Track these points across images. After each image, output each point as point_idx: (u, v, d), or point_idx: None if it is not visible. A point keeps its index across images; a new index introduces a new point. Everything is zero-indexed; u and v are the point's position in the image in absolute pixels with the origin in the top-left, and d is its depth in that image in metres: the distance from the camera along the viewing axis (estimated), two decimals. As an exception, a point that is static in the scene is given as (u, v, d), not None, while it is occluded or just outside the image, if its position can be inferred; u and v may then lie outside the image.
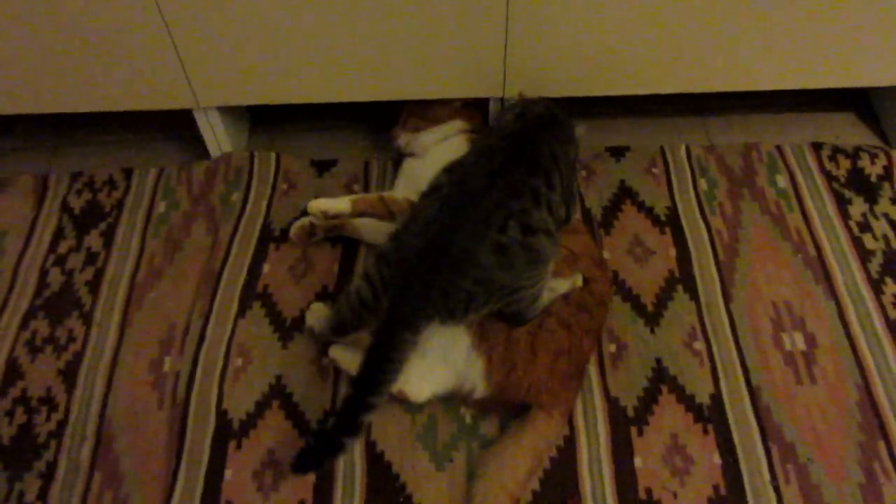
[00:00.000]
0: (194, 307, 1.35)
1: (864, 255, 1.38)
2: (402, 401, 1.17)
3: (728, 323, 1.30)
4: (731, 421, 1.20)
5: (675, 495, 1.13)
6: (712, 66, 1.42)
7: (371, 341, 1.05)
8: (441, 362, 1.14)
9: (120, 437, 1.22)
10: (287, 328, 1.32)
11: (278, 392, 1.25)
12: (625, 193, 1.49)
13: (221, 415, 1.22)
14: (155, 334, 1.33)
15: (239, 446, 1.20)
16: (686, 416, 1.20)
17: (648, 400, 1.22)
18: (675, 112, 1.67)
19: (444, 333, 1.13)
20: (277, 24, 1.33)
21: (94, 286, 1.41)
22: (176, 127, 1.68)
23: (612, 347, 1.28)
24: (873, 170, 1.51)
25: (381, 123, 1.66)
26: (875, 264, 1.37)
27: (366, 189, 1.54)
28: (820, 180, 1.50)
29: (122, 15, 1.31)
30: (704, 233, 1.42)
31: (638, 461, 1.16)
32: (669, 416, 1.20)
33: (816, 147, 1.56)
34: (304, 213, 1.38)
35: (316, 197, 1.49)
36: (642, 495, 1.13)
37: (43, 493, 1.17)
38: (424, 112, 1.48)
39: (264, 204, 1.50)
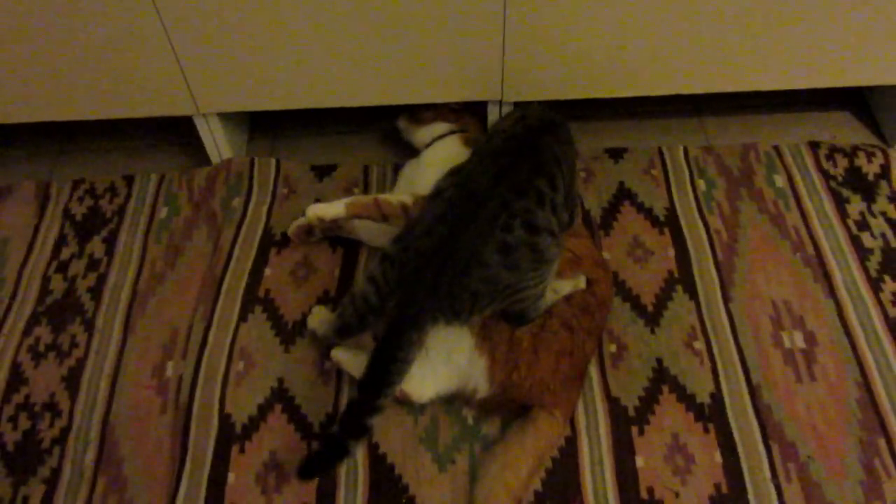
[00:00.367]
0: (196, 312, 1.36)
1: (863, 254, 1.39)
2: (405, 402, 1.18)
3: (728, 322, 1.31)
4: (731, 420, 1.20)
5: (676, 494, 1.14)
6: (709, 68, 1.43)
7: (377, 343, 1.06)
8: (444, 363, 1.15)
9: (123, 441, 1.23)
10: (289, 332, 1.33)
11: (280, 395, 1.25)
12: (624, 194, 1.50)
13: (224, 418, 1.23)
14: (157, 339, 1.34)
15: (242, 450, 1.20)
16: (687, 416, 1.21)
17: (649, 399, 1.23)
18: (673, 113, 1.68)
19: (447, 334, 1.14)
20: (276, 30, 1.34)
21: (96, 292, 1.41)
22: (176, 133, 1.69)
23: (613, 347, 1.29)
24: (870, 168, 1.52)
25: (380, 128, 1.68)
26: (874, 262, 1.38)
27: (365, 193, 1.54)
28: (818, 179, 1.51)
29: (123, 23, 1.32)
30: (703, 233, 1.43)
31: (639, 461, 1.17)
32: (670, 416, 1.21)
33: (814, 146, 1.57)
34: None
35: (316, 201, 1.50)
36: (644, 495, 1.14)
37: (47, 499, 1.18)
38: (424, 111, 1.51)
39: (265, 209, 1.51)
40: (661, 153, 1.57)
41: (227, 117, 1.57)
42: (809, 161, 1.54)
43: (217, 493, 1.16)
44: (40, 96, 1.45)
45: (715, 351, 1.28)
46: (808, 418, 1.20)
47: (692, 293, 1.35)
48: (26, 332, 1.37)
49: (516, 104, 1.50)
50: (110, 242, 1.49)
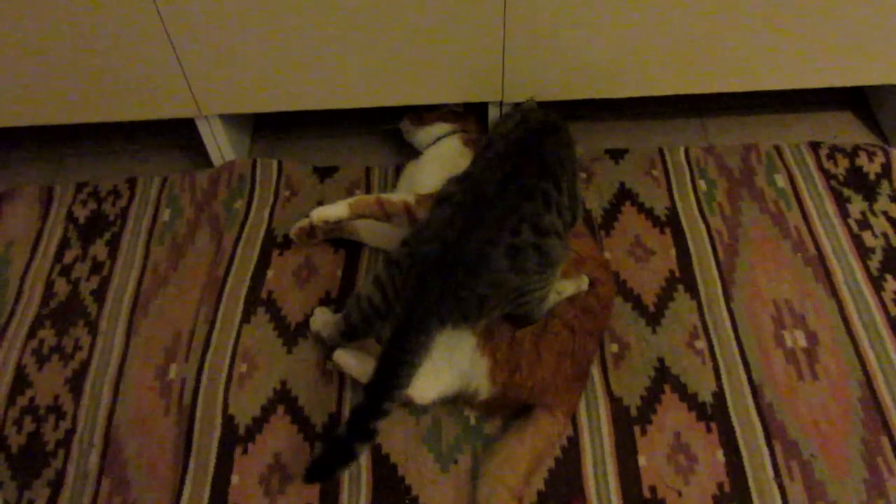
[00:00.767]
0: (199, 314, 1.37)
1: (864, 253, 1.39)
2: (408, 403, 1.18)
3: (729, 321, 1.31)
4: (733, 419, 1.20)
5: (679, 493, 1.14)
6: (710, 68, 1.43)
7: (384, 346, 1.06)
8: (446, 363, 1.15)
9: (127, 444, 1.23)
10: (291, 333, 1.33)
11: (283, 397, 1.26)
12: (625, 195, 1.50)
13: (227, 420, 1.23)
14: (160, 341, 1.34)
15: (245, 451, 1.21)
16: (689, 415, 1.21)
17: (651, 399, 1.23)
18: (674, 114, 1.69)
19: (450, 335, 1.14)
20: (278, 32, 1.34)
21: (99, 295, 1.42)
22: (179, 136, 1.70)
23: (615, 347, 1.29)
24: (871, 168, 1.52)
25: (381, 130, 1.69)
26: (875, 261, 1.38)
27: (367, 194, 1.55)
28: (819, 179, 1.51)
29: (125, 26, 1.32)
30: (704, 233, 1.43)
31: (642, 460, 1.17)
32: (672, 415, 1.21)
33: (815, 146, 1.57)
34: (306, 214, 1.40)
35: (318, 203, 1.51)
36: (647, 494, 1.14)
37: (52, 501, 1.18)
38: (425, 113, 1.52)
39: (267, 211, 1.51)
40: (661, 153, 1.58)
41: (230, 119, 1.58)
42: (810, 161, 1.54)
43: (220, 495, 1.16)
44: (43, 100, 1.45)
45: (717, 350, 1.28)
46: (811, 417, 1.20)
47: (693, 293, 1.35)
48: (30, 334, 1.37)
49: (516, 105, 1.50)
50: (113, 245, 1.49)
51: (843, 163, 1.54)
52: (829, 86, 1.47)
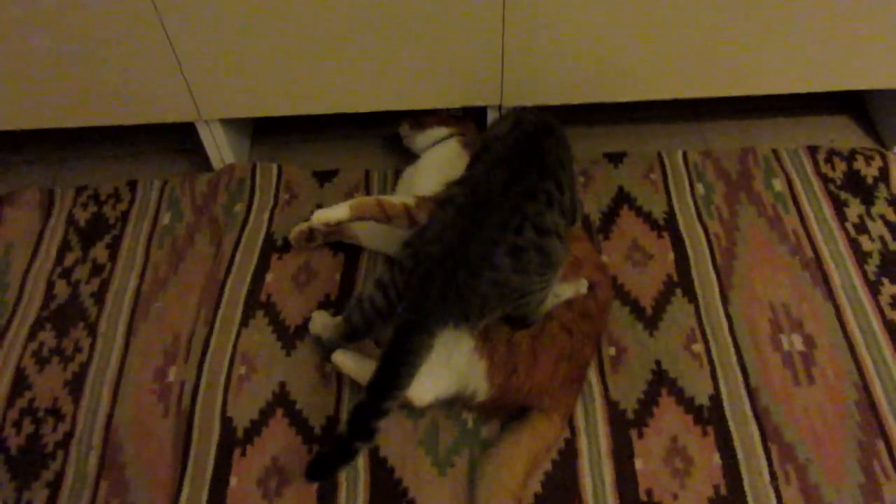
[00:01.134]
0: (198, 317, 1.37)
1: (861, 257, 1.39)
2: (405, 405, 1.18)
3: (726, 325, 1.31)
4: (730, 422, 1.21)
5: (675, 496, 1.14)
6: (707, 72, 1.44)
7: (386, 347, 1.06)
8: (444, 365, 1.15)
9: (126, 446, 1.24)
10: (290, 336, 1.34)
11: (282, 399, 1.26)
12: (623, 199, 1.51)
13: (226, 423, 1.24)
14: (160, 344, 1.35)
15: (243, 454, 1.21)
16: (686, 418, 1.21)
17: (648, 402, 1.23)
18: (672, 118, 1.69)
19: (448, 337, 1.14)
20: (278, 38, 1.35)
21: (99, 297, 1.42)
22: (179, 139, 1.70)
23: (612, 351, 1.29)
24: (869, 172, 1.53)
25: (381, 134, 1.69)
26: (872, 265, 1.38)
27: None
28: (816, 183, 1.52)
29: (125, 30, 1.33)
30: (702, 236, 1.44)
31: (638, 463, 1.17)
32: (669, 418, 1.21)
33: (812, 150, 1.57)
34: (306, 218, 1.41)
35: (318, 206, 1.52)
36: (643, 497, 1.14)
37: (50, 503, 1.19)
38: (425, 116, 1.52)
39: (266, 214, 1.52)
40: (659, 157, 1.58)
41: (230, 123, 1.58)
42: (808, 165, 1.55)
43: (219, 497, 1.17)
44: (44, 103, 1.46)
45: (714, 354, 1.28)
46: (807, 421, 1.20)
47: (691, 296, 1.35)
48: (30, 336, 1.38)
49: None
50: (113, 248, 1.50)
51: (841, 167, 1.54)
52: (826, 90, 1.48)
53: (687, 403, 1.23)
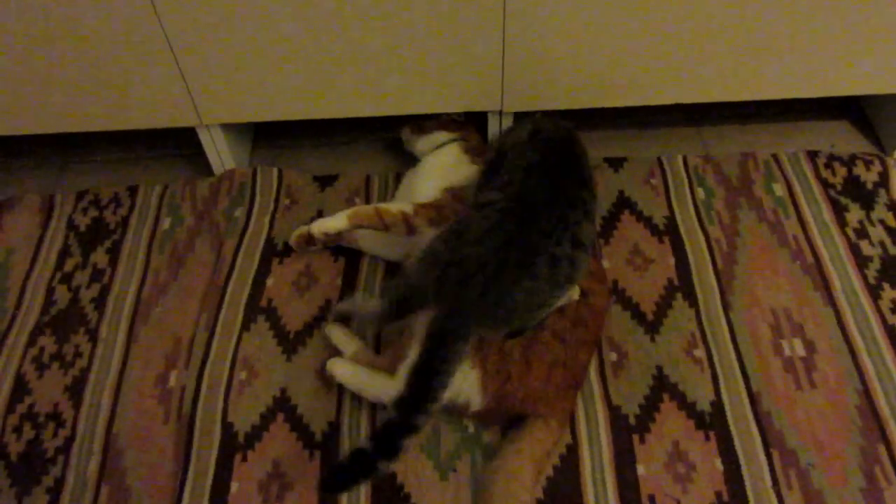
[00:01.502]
0: (199, 322, 1.37)
1: (862, 262, 1.40)
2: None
3: (728, 330, 1.31)
4: (732, 427, 1.20)
5: (678, 502, 1.14)
6: (708, 77, 1.44)
7: (419, 357, 1.03)
8: None
9: (126, 451, 1.23)
10: (291, 341, 1.34)
11: (283, 404, 1.26)
12: (623, 203, 1.51)
13: (227, 428, 1.24)
14: (160, 349, 1.35)
15: (244, 459, 1.21)
16: (687, 423, 1.21)
17: (650, 408, 1.23)
18: (672, 123, 1.69)
19: None
20: (279, 42, 1.35)
21: (99, 303, 1.42)
22: (179, 144, 1.70)
23: (613, 356, 1.29)
24: (869, 177, 1.53)
25: (381, 138, 1.69)
26: (872, 270, 1.38)
27: (367, 203, 1.56)
28: (816, 188, 1.52)
29: (126, 35, 1.33)
30: (703, 241, 1.44)
31: (640, 469, 1.17)
32: (671, 424, 1.21)
33: (812, 155, 1.58)
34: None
35: (318, 211, 1.52)
36: (645, 503, 1.14)
37: (51, 508, 1.19)
38: (427, 121, 1.53)
39: (267, 219, 1.52)
40: (660, 162, 1.58)
41: (230, 128, 1.59)
42: (808, 170, 1.55)
43: (220, 503, 1.17)
44: (44, 108, 1.46)
45: (715, 359, 1.28)
46: (809, 426, 1.20)
47: (692, 301, 1.35)
48: (30, 342, 1.38)
49: (516, 115, 1.51)
50: (114, 253, 1.50)
51: (841, 172, 1.54)
52: (826, 95, 1.48)
53: (689, 409, 1.23)
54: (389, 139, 1.66)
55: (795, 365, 1.27)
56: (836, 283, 1.37)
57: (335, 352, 1.29)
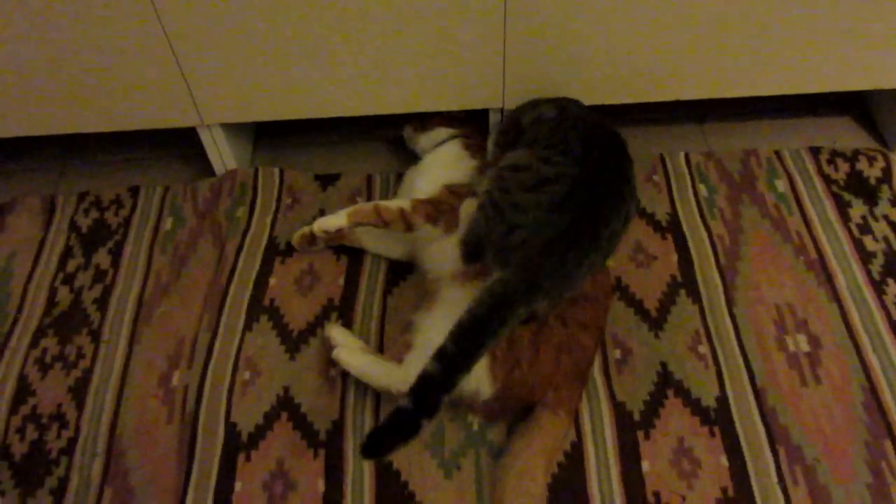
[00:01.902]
0: (202, 322, 1.37)
1: (865, 257, 1.39)
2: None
3: (732, 326, 1.31)
4: (737, 423, 1.20)
5: (683, 498, 1.14)
6: (710, 73, 1.44)
7: (472, 310, 1.00)
8: None
9: (130, 452, 1.23)
10: (294, 340, 1.33)
11: (286, 403, 1.26)
12: (626, 201, 1.51)
13: (230, 427, 1.23)
14: (163, 349, 1.35)
15: (248, 458, 1.21)
16: (692, 420, 1.21)
17: (654, 404, 1.23)
18: (674, 119, 1.69)
19: (443, 334, 1.14)
20: (280, 41, 1.35)
21: (102, 303, 1.42)
22: (181, 145, 1.70)
23: (617, 353, 1.29)
24: (872, 172, 1.53)
25: (383, 137, 1.69)
26: (876, 266, 1.38)
27: (369, 201, 1.55)
28: (819, 184, 1.52)
29: (126, 35, 1.33)
30: (706, 238, 1.44)
31: (645, 465, 1.17)
32: (676, 420, 1.21)
33: (815, 151, 1.57)
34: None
35: (321, 210, 1.52)
36: (651, 499, 1.14)
37: (55, 509, 1.18)
38: (429, 118, 1.53)
39: (269, 219, 1.52)
40: (662, 159, 1.58)
41: (231, 128, 1.58)
42: (811, 166, 1.55)
43: (224, 502, 1.16)
44: (45, 110, 1.46)
45: (719, 355, 1.28)
46: (814, 421, 1.20)
47: (695, 298, 1.35)
48: (33, 343, 1.38)
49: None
50: (116, 254, 1.50)
51: (844, 167, 1.54)
52: (828, 90, 1.48)
53: (693, 405, 1.22)
54: (391, 138, 1.65)
55: (800, 361, 1.27)
56: (840, 279, 1.36)
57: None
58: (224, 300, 1.39)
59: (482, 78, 1.42)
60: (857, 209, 1.47)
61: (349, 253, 1.45)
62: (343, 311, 1.37)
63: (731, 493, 1.14)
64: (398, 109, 1.48)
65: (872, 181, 1.51)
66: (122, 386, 1.31)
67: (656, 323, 1.32)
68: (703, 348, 1.29)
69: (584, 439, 1.19)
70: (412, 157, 1.55)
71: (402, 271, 1.42)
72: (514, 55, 1.38)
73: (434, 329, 1.13)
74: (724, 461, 1.17)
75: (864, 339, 1.29)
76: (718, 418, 1.21)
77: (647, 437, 1.19)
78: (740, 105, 1.66)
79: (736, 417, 1.21)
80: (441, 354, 0.98)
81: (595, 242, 1.06)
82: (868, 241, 1.42)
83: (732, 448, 1.18)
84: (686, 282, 1.37)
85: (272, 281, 1.42)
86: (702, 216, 1.47)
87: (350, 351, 1.23)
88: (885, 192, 1.49)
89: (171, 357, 1.34)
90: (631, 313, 1.34)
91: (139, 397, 1.29)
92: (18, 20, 1.30)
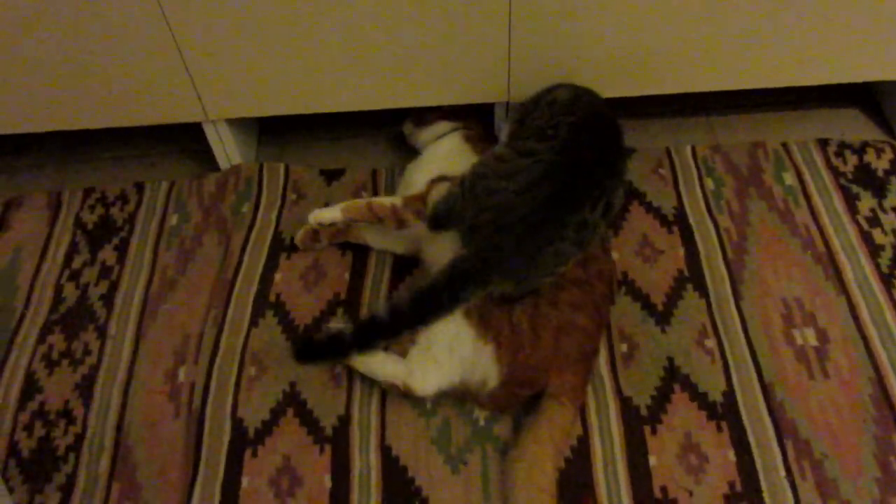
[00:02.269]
0: (208, 317, 1.37)
1: (874, 250, 1.38)
2: (409, 396, 1.18)
3: (739, 320, 1.30)
4: (744, 417, 1.20)
5: (690, 493, 1.13)
6: (716, 66, 1.43)
7: (431, 282, 1.06)
8: (446, 353, 1.15)
9: (137, 448, 1.24)
10: (300, 336, 1.33)
11: (292, 399, 1.26)
12: (632, 194, 1.50)
13: (237, 423, 1.23)
14: (169, 345, 1.35)
15: (255, 454, 1.21)
16: (699, 414, 1.20)
17: (661, 398, 1.22)
18: (680, 112, 1.68)
19: (447, 328, 1.14)
20: (284, 36, 1.35)
21: (108, 299, 1.42)
22: (185, 140, 1.70)
23: (624, 347, 1.28)
24: (880, 164, 1.52)
25: (388, 132, 1.69)
26: (885, 258, 1.37)
27: (374, 196, 1.55)
28: (827, 176, 1.50)
29: (131, 31, 1.33)
30: (713, 231, 1.43)
31: (652, 460, 1.17)
32: (683, 414, 1.21)
33: (823, 143, 1.56)
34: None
35: (325, 205, 1.51)
36: (658, 494, 1.13)
37: (63, 505, 1.19)
38: (429, 113, 1.52)
39: (274, 214, 1.51)
40: (668, 153, 1.57)
41: (236, 123, 1.58)
42: (818, 158, 1.54)
43: (231, 498, 1.17)
44: (51, 106, 1.46)
45: (726, 349, 1.27)
46: (822, 415, 1.19)
47: (702, 292, 1.34)
48: (40, 340, 1.38)
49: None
50: (122, 250, 1.50)
51: (852, 160, 1.53)
52: (836, 82, 1.47)
53: (700, 399, 1.22)
54: (396, 132, 1.65)
55: (808, 355, 1.26)
56: (849, 272, 1.35)
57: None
58: (230, 295, 1.39)
59: (487, 71, 1.42)
60: (866, 202, 1.46)
61: (354, 249, 1.45)
62: (349, 306, 1.37)
63: (738, 487, 1.13)
64: (402, 104, 1.48)
65: (881, 173, 1.50)
66: (129, 382, 1.31)
67: (663, 317, 1.32)
68: (710, 342, 1.28)
69: (590, 434, 1.19)
70: (416, 152, 1.55)
71: (407, 266, 1.41)
72: (519, 48, 1.37)
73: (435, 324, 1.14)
74: (731, 456, 1.16)
75: (873, 333, 1.28)
76: (726, 413, 1.20)
77: (653, 431, 1.19)
78: (747, 97, 1.65)
79: (743, 412, 1.20)
80: (395, 308, 1.06)
81: (559, 230, 1.06)
82: (877, 234, 1.41)
83: (740, 442, 1.17)
84: (693, 276, 1.37)
85: (278, 276, 1.42)
86: (708, 209, 1.47)
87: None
88: (894, 184, 1.48)
89: (177, 353, 1.34)
90: (637, 307, 1.33)
91: (146, 393, 1.29)
92: (22, 17, 1.30)
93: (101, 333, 1.38)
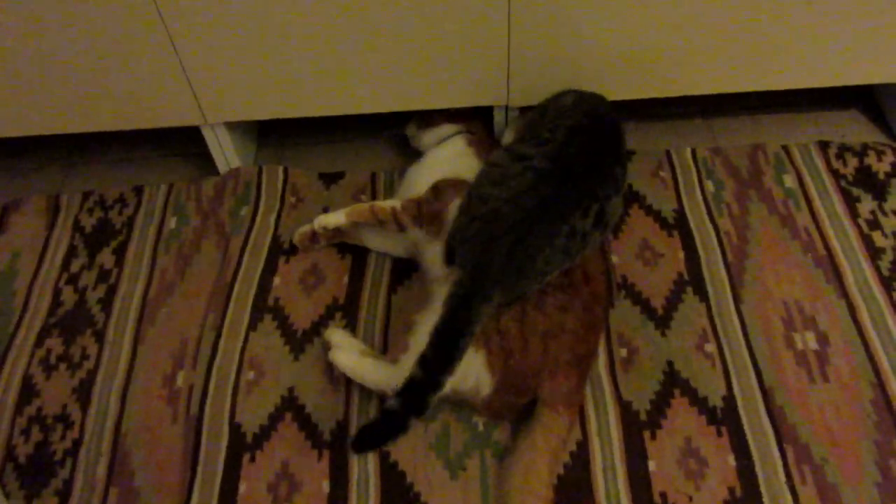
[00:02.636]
0: (206, 321, 1.36)
1: (875, 253, 1.38)
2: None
3: (739, 324, 1.30)
4: (744, 422, 1.19)
5: (690, 499, 1.13)
6: (716, 68, 1.42)
7: (442, 316, 1.05)
8: None
9: (135, 452, 1.23)
10: (298, 340, 1.33)
11: (291, 404, 1.25)
12: (632, 197, 1.49)
13: (235, 428, 1.23)
14: (167, 349, 1.34)
15: (253, 459, 1.20)
16: (699, 419, 1.20)
17: (661, 403, 1.22)
18: (680, 115, 1.68)
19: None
20: (282, 39, 1.34)
21: (106, 303, 1.42)
22: (184, 144, 1.70)
23: (623, 351, 1.28)
24: (881, 167, 1.51)
25: (387, 135, 1.68)
26: (885, 262, 1.37)
27: (373, 200, 1.54)
28: (828, 179, 1.50)
29: (129, 35, 1.32)
30: (713, 234, 1.42)
31: (652, 465, 1.16)
32: (682, 419, 1.20)
33: (823, 146, 1.56)
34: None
35: (324, 209, 1.52)
36: (657, 499, 1.13)
37: (60, 510, 1.18)
38: (432, 115, 1.52)
39: (273, 217, 1.51)
40: (668, 155, 1.57)
41: (235, 126, 1.58)
42: (819, 161, 1.53)
43: (229, 503, 1.16)
44: (49, 109, 1.46)
45: (726, 353, 1.27)
46: (822, 420, 1.19)
47: (702, 295, 1.34)
48: (38, 344, 1.38)
49: (521, 110, 1.50)
50: (120, 253, 1.50)
51: (853, 162, 1.52)
52: (836, 85, 1.46)
53: (700, 404, 1.21)
54: (395, 136, 1.64)
55: (808, 358, 1.26)
56: (849, 276, 1.35)
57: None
58: (228, 300, 1.38)
59: (486, 75, 1.41)
60: (866, 204, 1.45)
61: (353, 251, 1.44)
62: (347, 310, 1.36)
63: (738, 493, 1.13)
64: (401, 107, 1.47)
65: (881, 176, 1.50)
66: (127, 386, 1.31)
67: (663, 321, 1.31)
68: (710, 347, 1.28)
69: (590, 439, 1.19)
70: (416, 155, 1.54)
71: (406, 269, 1.41)
72: (519, 52, 1.37)
73: (428, 331, 1.13)
74: (731, 461, 1.16)
75: (873, 337, 1.27)
76: (726, 417, 1.20)
77: (653, 436, 1.19)
78: (747, 100, 1.65)
79: (743, 416, 1.20)
80: (423, 361, 1.04)
81: (551, 238, 1.05)
82: (877, 237, 1.40)
83: (740, 447, 1.17)
84: (693, 279, 1.36)
85: (276, 280, 1.41)
86: (709, 212, 1.46)
87: (345, 352, 1.23)
88: (894, 187, 1.48)
89: (175, 357, 1.33)
90: (637, 312, 1.33)
91: (144, 398, 1.29)
92: (22, 20, 1.30)
93: (100, 337, 1.37)
